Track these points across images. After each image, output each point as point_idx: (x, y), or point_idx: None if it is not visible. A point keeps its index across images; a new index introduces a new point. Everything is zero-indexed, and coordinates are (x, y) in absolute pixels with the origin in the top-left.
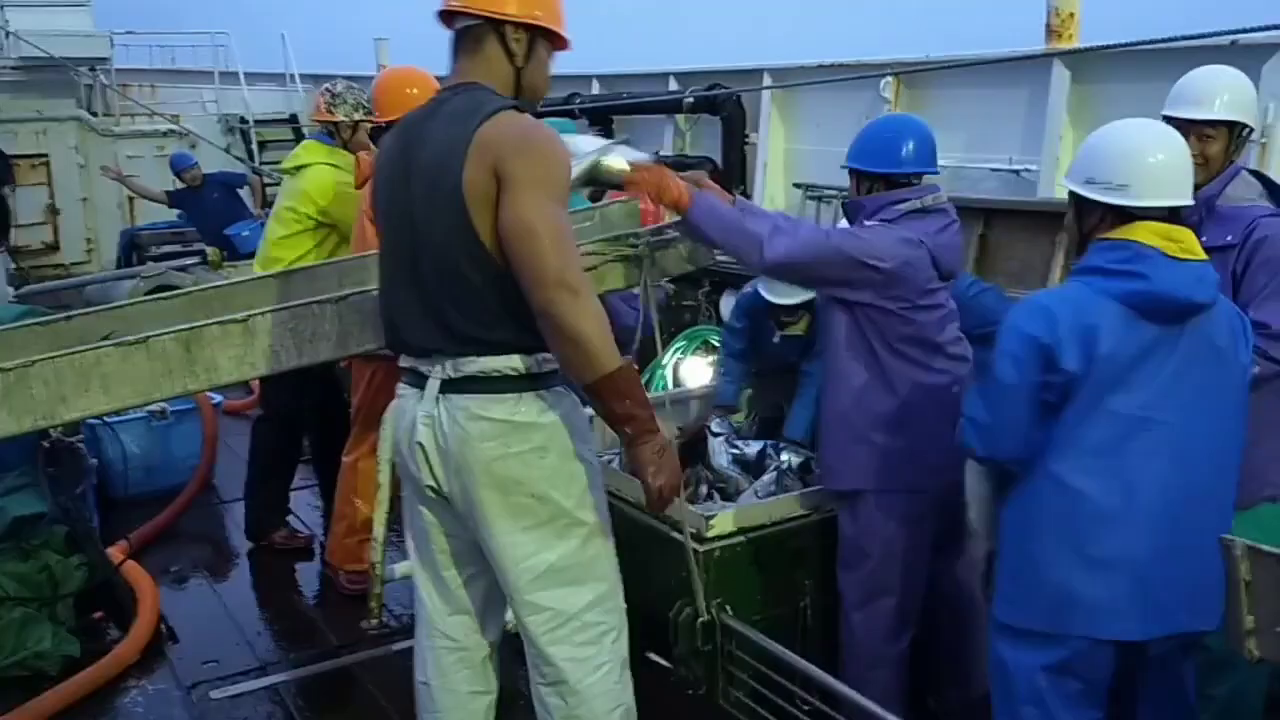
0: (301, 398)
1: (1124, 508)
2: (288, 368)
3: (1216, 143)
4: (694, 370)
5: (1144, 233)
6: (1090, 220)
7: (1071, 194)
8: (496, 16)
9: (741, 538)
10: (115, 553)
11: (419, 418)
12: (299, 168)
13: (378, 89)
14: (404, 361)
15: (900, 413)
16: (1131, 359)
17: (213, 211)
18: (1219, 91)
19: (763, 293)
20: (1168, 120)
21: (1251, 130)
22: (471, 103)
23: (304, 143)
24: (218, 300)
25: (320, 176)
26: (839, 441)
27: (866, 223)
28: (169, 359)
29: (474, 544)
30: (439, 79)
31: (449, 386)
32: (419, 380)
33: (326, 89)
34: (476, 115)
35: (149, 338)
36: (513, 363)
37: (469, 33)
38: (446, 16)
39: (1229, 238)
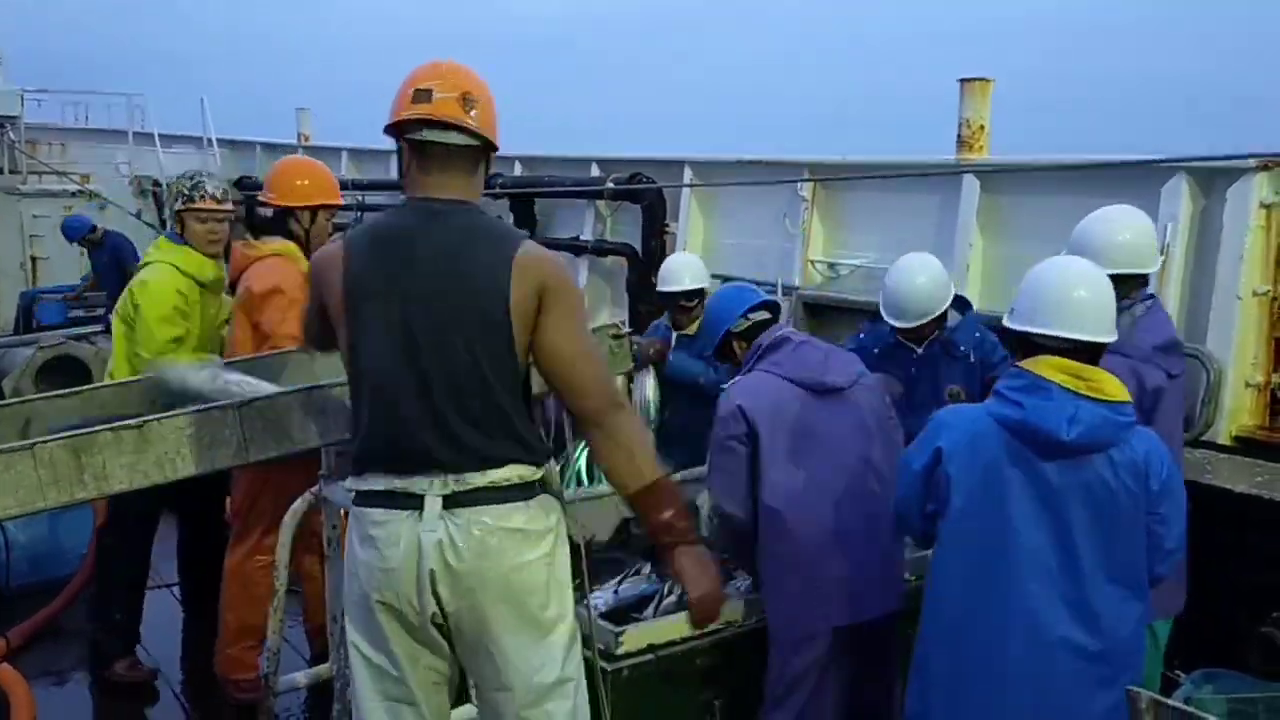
0: (157, 502)
1: (984, 623)
2: (183, 476)
3: None
4: None
5: (1045, 366)
6: (1014, 347)
7: None
8: (494, 144)
9: (650, 655)
10: None
11: (426, 541)
12: (144, 265)
13: (273, 173)
14: (377, 483)
15: None
16: (1003, 480)
17: (104, 274)
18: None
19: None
20: None
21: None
22: (485, 223)
23: (157, 239)
24: (115, 399)
25: (156, 278)
26: None
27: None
28: (56, 467)
29: (448, 678)
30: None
31: (453, 501)
32: (408, 501)
33: None
34: (507, 239)
35: (35, 444)
36: (520, 471)
37: (465, 151)
38: (421, 126)
39: None
